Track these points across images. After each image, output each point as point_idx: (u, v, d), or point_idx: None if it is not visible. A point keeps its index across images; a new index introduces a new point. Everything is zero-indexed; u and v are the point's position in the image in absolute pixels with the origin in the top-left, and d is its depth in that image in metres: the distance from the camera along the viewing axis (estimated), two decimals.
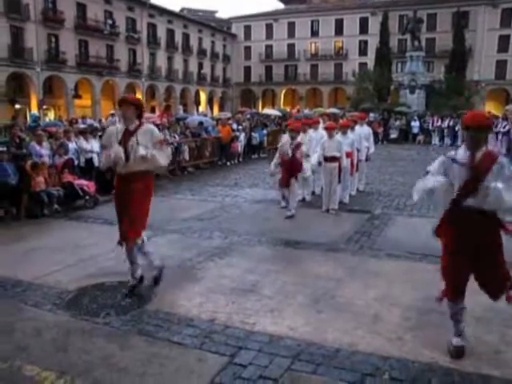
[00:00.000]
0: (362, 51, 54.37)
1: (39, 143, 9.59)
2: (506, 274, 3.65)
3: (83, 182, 9.69)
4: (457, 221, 3.66)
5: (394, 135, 27.23)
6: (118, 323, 4.23)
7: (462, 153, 3.64)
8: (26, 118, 30.31)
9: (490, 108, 40.87)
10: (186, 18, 54.40)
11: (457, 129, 25.05)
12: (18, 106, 34.99)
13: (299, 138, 8.66)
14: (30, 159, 8.93)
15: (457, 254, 3.66)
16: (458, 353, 3.65)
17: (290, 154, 8.35)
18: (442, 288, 3.84)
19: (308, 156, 8.67)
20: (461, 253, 3.64)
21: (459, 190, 3.56)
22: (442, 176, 3.63)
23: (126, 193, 4.74)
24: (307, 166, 8.66)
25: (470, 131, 3.54)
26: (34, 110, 32.26)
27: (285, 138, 8.85)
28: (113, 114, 24.64)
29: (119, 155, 4.65)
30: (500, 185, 3.38)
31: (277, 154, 8.83)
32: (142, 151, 4.60)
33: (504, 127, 20.51)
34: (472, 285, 4.24)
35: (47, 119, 29.13)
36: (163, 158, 4.80)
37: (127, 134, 4.75)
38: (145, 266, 5.07)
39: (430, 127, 26.77)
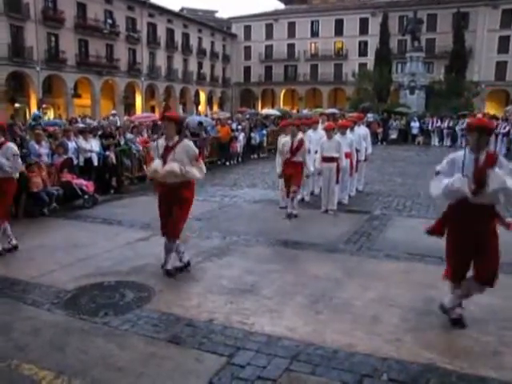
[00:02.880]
0: (362, 52, 54.35)
1: (38, 142, 9.57)
2: (497, 262, 4.01)
3: (82, 181, 9.67)
4: (460, 214, 4.05)
5: (393, 136, 27.22)
6: (116, 323, 4.22)
7: (466, 154, 4.01)
8: (25, 117, 30.30)
9: (490, 109, 40.94)
10: (185, 17, 54.36)
11: (456, 129, 25.07)
12: (17, 105, 34.99)
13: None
14: (28, 159, 8.90)
15: (461, 243, 4.08)
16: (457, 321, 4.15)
17: (289, 154, 8.34)
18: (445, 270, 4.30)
19: (309, 152, 8.71)
20: (464, 241, 4.05)
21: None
22: (457, 174, 3.96)
23: (169, 200, 5.32)
24: (310, 163, 8.67)
25: (476, 133, 3.97)
26: (34, 109, 32.24)
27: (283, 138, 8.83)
28: (114, 114, 24.68)
29: (156, 169, 5.26)
30: (499, 170, 3.84)
31: (278, 158, 8.79)
32: (172, 167, 5.13)
33: (504, 128, 20.57)
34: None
35: (46, 118, 29.10)
36: (196, 173, 5.32)
37: (167, 150, 5.30)
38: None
39: (430, 128, 26.78)
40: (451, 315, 4.21)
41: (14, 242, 6.42)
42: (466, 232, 4.03)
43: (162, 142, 5.48)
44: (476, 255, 4.06)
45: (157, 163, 5.31)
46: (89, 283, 5.18)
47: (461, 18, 44.59)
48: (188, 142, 5.49)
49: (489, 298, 4.20)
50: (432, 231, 4.33)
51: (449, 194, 4.01)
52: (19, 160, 6.38)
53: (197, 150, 5.48)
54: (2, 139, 6.22)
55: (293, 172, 8.34)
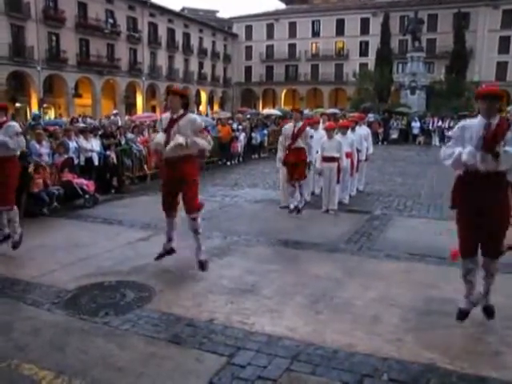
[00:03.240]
0: (363, 52, 54.38)
1: (39, 142, 9.56)
2: (502, 236, 4.00)
3: (83, 181, 9.67)
4: (469, 183, 4.00)
5: (394, 136, 27.25)
6: (116, 323, 4.21)
7: (478, 120, 3.99)
8: (26, 116, 30.32)
9: None
10: (186, 17, 54.42)
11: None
12: (18, 105, 35.00)
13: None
14: (30, 158, 8.89)
15: (468, 214, 4.03)
16: (459, 315, 4.14)
17: (291, 140, 8.43)
18: (456, 248, 4.18)
19: (312, 137, 8.75)
20: (472, 212, 4.00)
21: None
22: (469, 147, 3.88)
23: (175, 176, 5.29)
24: (313, 155, 8.74)
25: (486, 100, 3.91)
26: (35, 109, 32.27)
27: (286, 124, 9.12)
28: (115, 114, 24.73)
29: (159, 141, 5.25)
30: (510, 148, 3.74)
31: (280, 146, 8.89)
32: (178, 139, 5.05)
33: None
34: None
35: (47, 118, 29.13)
36: (203, 143, 5.28)
37: (171, 122, 5.27)
38: (193, 249, 5.57)
39: (431, 128, 26.78)
40: (488, 304, 4.16)
41: (6, 231, 6.28)
42: (475, 201, 3.96)
43: (166, 115, 5.44)
44: (485, 227, 3.98)
45: (160, 136, 5.29)
46: (89, 283, 5.17)
47: (461, 18, 44.62)
48: (193, 115, 5.50)
49: (490, 296, 4.19)
50: (452, 204, 4.24)
51: (457, 164, 3.98)
52: (22, 138, 6.30)
53: (203, 123, 5.50)
54: (4, 118, 6.19)
55: (295, 160, 8.38)
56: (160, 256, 5.73)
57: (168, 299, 4.74)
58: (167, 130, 5.25)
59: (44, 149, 9.57)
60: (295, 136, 8.43)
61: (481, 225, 3.99)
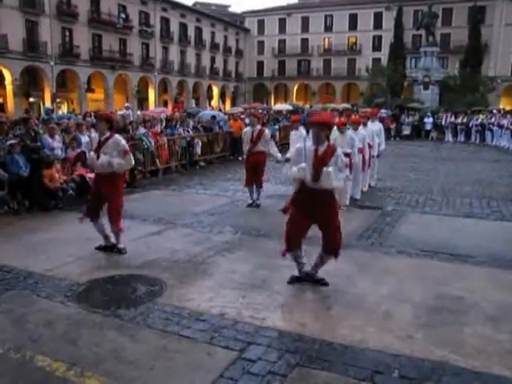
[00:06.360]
0: (376, 46, 53.97)
1: (52, 136, 9.63)
2: (339, 237, 4.83)
3: None
4: (303, 197, 4.77)
5: (406, 131, 27.00)
6: (128, 316, 4.25)
7: (311, 144, 4.74)
8: (39, 111, 30.58)
9: (506, 105, 40.38)
10: (198, 12, 54.40)
11: (470, 125, 24.77)
12: (31, 100, 35.30)
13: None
14: (42, 153, 8.97)
15: (296, 221, 4.82)
16: (291, 280, 5.01)
17: (251, 144, 8.82)
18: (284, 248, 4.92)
19: (272, 138, 9.01)
20: (303, 218, 4.78)
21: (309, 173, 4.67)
22: (302, 164, 4.67)
23: (101, 188, 5.96)
24: (276, 151, 9.07)
25: (315, 128, 4.66)
26: (48, 104, 32.50)
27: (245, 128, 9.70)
28: (127, 107, 24.80)
29: (92, 160, 5.95)
30: (332, 169, 4.57)
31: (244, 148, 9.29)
32: (102, 161, 5.79)
33: None
34: (485, 284, 4.21)
35: (60, 112, 29.34)
36: (122, 166, 5.92)
37: (99, 144, 5.91)
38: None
39: (444, 124, 26.48)
40: (317, 278, 4.99)
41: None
42: (306, 210, 4.74)
43: (95, 136, 6.08)
44: (321, 231, 4.84)
45: (91, 155, 5.96)
46: (101, 276, 5.22)
47: (477, 12, 43.80)
48: (118, 137, 5.98)
49: (501, 295, 4.16)
50: (284, 210, 4.95)
51: (294, 179, 4.78)
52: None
53: (126, 145, 6.05)
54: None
55: (255, 164, 8.86)
56: (100, 248, 6.15)
57: (179, 293, 4.77)
58: (96, 151, 5.89)
59: (56, 143, 9.64)
60: (254, 141, 8.81)
61: (308, 229, 4.86)
